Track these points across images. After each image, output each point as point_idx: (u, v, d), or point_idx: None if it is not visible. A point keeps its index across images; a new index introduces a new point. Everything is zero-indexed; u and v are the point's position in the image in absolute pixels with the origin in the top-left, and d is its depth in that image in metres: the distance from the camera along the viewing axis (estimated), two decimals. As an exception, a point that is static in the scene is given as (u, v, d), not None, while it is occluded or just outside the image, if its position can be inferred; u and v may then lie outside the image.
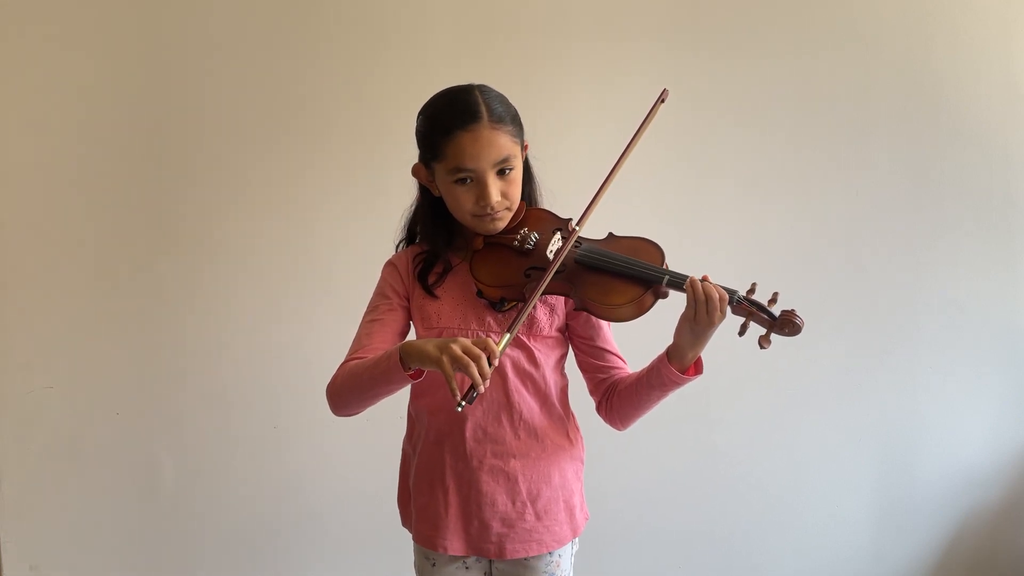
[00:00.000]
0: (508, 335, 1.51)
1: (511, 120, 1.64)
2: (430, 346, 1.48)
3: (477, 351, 1.43)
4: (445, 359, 1.43)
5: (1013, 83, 2.87)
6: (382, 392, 1.62)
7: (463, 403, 1.44)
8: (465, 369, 1.42)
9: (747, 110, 2.75)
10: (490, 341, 1.45)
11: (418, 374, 1.56)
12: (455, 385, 1.43)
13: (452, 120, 1.61)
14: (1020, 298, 2.92)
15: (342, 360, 1.73)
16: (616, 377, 1.77)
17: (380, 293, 1.77)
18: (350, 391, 1.65)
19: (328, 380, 1.70)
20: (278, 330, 2.62)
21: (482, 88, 1.66)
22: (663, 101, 1.74)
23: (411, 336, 1.78)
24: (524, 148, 1.72)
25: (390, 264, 1.80)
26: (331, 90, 2.59)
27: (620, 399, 1.74)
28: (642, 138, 1.70)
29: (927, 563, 2.98)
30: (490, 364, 1.43)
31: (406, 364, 1.52)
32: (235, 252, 2.59)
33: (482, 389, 1.43)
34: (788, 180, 2.79)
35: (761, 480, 2.87)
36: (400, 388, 1.61)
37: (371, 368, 1.59)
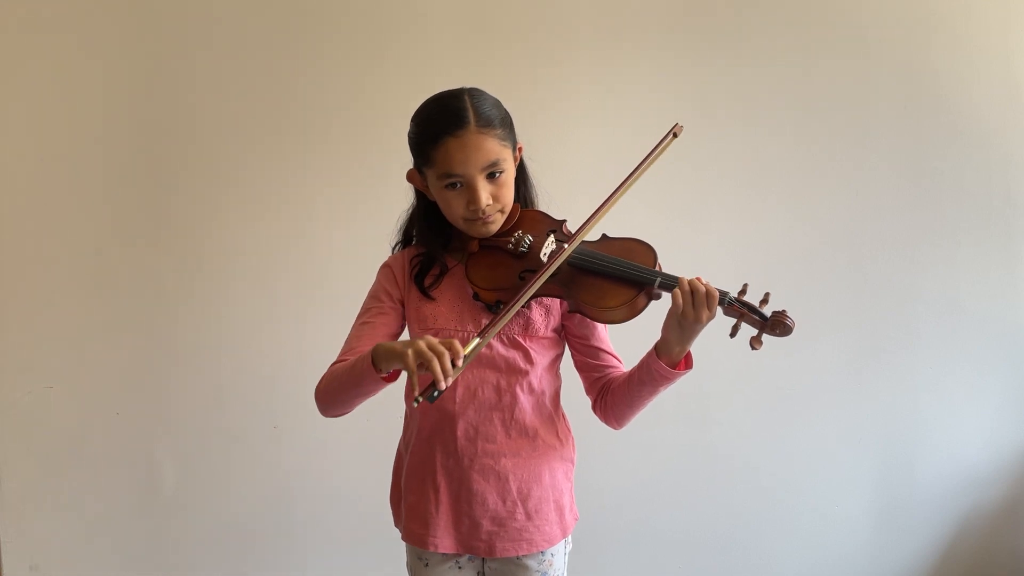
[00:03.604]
0: (478, 339, 1.51)
1: (500, 123, 1.64)
2: (397, 344, 1.48)
3: (441, 348, 1.42)
4: (409, 352, 1.42)
5: (1013, 83, 2.86)
6: (360, 394, 1.62)
7: (420, 398, 1.43)
8: (428, 364, 1.41)
9: (747, 110, 2.75)
10: (456, 342, 1.44)
11: (393, 376, 1.56)
12: (416, 380, 1.43)
13: (440, 126, 1.61)
14: (1020, 298, 2.91)
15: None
16: (611, 376, 1.77)
17: (373, 296, 1.79)
18: (332, 393, 1.66)
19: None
20: (277, 330, 2.63)
21: (472, 92, 1.66)
22: (676, 136, 1.73)
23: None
24: (518, 150, 1.72)
25: (385, 266, 1.81)
26: (332, 92, 2.60)
27: (614, 397, 1.74)
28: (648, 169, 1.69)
29: (927, 563, 2.97)
30: (454, 365, 1.42)
31: (378, 366, 1.52)
32: (234, 253, 2.61)
33: (443, 386, 1.41)
34: (788, 180, 2.79)
35: (761, 480, 2.87)
36: (378, 390, 1.60)
37: (348, 371, 1.60)
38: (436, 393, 1.43)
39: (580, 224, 1.64)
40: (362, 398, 1.64)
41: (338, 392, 1.65)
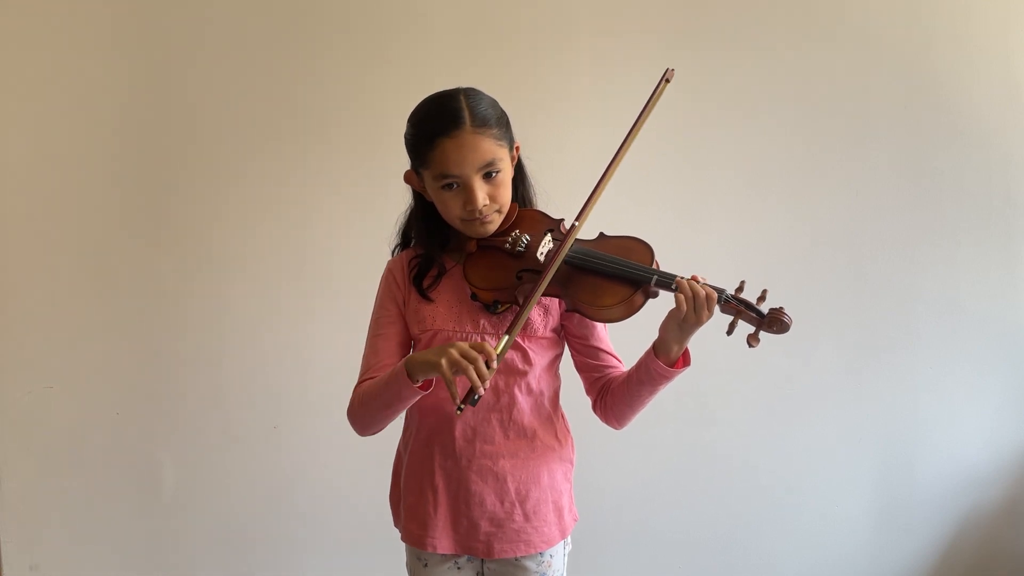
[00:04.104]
0: (507, 337, 1.53)
1: (496, 123, 1.64)
2: (430, 354, 1.52)
3: (474, 354, 1.46)
4: (444, 363, 1.47)
5: (1013, 83, 2.86)
6: (399, 409, 1.67)
7: (462, 406, 1.47)
8: (464, 372, 1.45)
9: (747, 110, 2.75)
10: (487, 345, 1.48)
11: (427, 385, 1.60)
12: (455, 389, 1.47)
13: (435, 127, 1.61)
14: (1020, 298, 2.91)
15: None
16: (610, 376, 1.77)
17: (380, 305, 1.80)
18: (369, 414, 1.70)
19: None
20: (277, 331, 2.63)
21: (468, 92, 1.65)
22: (668, 81, 1.70)
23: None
24: (515, 149, 1.72)
25: (387, 271, 1.81)
26: (332, 92, 2.60)
27: (613, 397, 1.74)
28: (645, 124, 1.68)
29: (927, 563, 2.97)
30: (488, 367, 1.46)
31: (413, 377, 1.56)
32: (235, 253, 2.61)
33: (482, 391, 1.46)
34: (788, 179, 2.79)
35: (761, 480, 2.86)
36: (415, 400, 1.64)
37: (383, 389, 1.63)
38: (477, 397, 1.47)
39: (582, 206, 1.64)
40: (400, 412, 1.68)
41: (376, 410, 1.68)
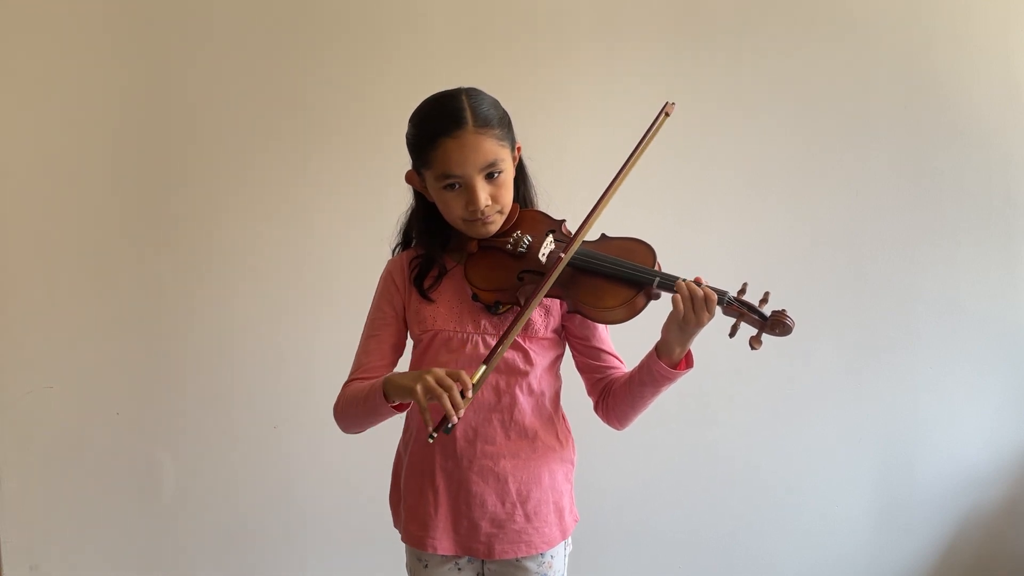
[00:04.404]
0: (485, 367, 1.52)
1: (498, 123, 1.64)
2: (407, 379, 1.53)
3: (449, 382, 1.46)
4: (419, 388, 1.47)
5: (1013, 83, 2.86)
6: (377, 420, 1.69)
7: (434, 434, 1.47)
8: (438, 399, 1.45)
9: (746, 110, 2.75)
10: (463, 374, 1.47)
11: (402, 407, 1.62)
12: (428, 417, 1.48)
13: (437, 127, 1.61)
14: (1020, 298, 2.91)
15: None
16: (612, 376, 1.77)
17: (376, 306, 1.80)
18: (351, 418, 1.72)
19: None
20: (278, 331, 2.63)
21: (469, 92, 1.65)
22: (668, 115, 1.72)
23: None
24: (517, 150, 1.72)
25: (386, 272, 1.81)
26: (331, 92, 2.60)
27: (615, 398, 1.74)
28: (645, 151, 1.69)
29: (927, 563, 2.97)
30: (464, 396, 1.46)
31: (389, 398, 1.57)
32: (235, 253, 2.61)
33: (455, 420, 1.45)
34: (788, 180, 2.79)
35: (761, 480, 2.86)
36: (391, 416, 1.66)
37: (362, 402, 1.65)
38: (451, 426, 1.46)
39: (582, 219, 1.63)
40: (378, 422, 1.70)
41: (355, 417, 1.71)
